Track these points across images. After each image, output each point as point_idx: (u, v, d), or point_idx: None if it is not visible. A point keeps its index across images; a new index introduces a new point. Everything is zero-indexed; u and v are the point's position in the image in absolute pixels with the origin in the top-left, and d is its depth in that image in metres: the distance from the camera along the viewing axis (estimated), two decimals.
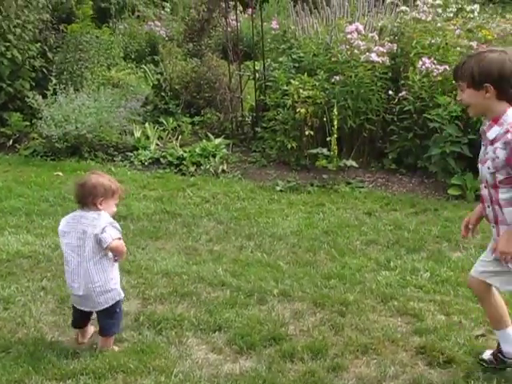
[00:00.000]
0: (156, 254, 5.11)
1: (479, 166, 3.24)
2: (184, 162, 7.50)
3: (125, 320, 4.01)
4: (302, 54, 7.86)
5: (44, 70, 8.88)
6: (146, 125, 8.48)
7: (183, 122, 8.75)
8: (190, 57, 10.57)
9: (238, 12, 9.57)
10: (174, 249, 5.25)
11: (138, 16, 17.41)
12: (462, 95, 3.19)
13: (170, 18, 17.43)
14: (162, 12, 18.50)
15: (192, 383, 3.39)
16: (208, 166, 7.38)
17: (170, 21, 16.86)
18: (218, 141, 7.92)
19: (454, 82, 3.56)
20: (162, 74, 9.71)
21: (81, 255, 3.59)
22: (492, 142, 3.11)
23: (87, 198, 3.61)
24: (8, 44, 8.26)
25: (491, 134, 3.12)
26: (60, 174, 7.27)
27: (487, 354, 3.54)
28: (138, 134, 8.22)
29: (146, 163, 7.68)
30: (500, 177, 3.09)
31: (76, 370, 3.47)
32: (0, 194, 6.50)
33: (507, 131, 3.03)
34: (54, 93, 8.11)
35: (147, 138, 8.23)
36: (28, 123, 8.40)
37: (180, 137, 8.30)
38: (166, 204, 6.33)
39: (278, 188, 6.79)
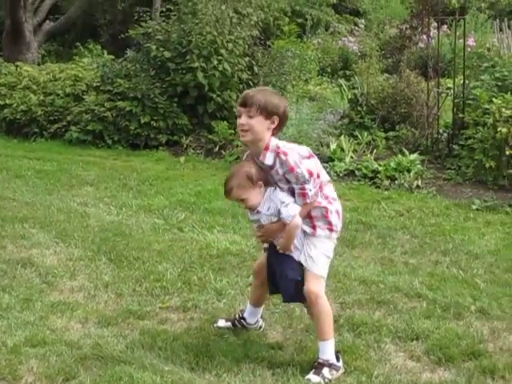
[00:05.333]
0: (353, 262, 5.32)
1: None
2: (379, 176, 7.65)
3: None
4: (506, 73, 7.74)
5: (250, 82, 9.48)
6: (342, 137, 8.76)
7: (378, 136, 8.94)
8: (382, 72, 10.76)
9: (436, 29, 9.58)
10: (370, 258, 5.43)
11: (332, 32, 17.82)
12: (247, 120, 3.55)
13: (363, 34, 17.67)
14: (356, 28, 18.80)
15: None
16: (402, 181, 7.48)
17: (363, 37, 17.10)
18: (413, 156, 7.99)
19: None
20: (356, 88, 9.95)
21: None
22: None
23: None
24: (220, 58, 8.94)
25: (268, 159, 3.59)
26: None
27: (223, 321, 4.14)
28: (333, 145, 8.51)
29: (341, 174, 7.93)
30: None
31: (284, 361, 3.75)
32: (209, 196, 7.09)
33: (278, 153, 3.56)
34: None
35: (342, 150, 8.49)
36: (233, 131, 9.02)
37: (375, 151, 8.49)
38: (362, 215, 6.53)
39: (474, 206, 6.73)
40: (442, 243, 5.73)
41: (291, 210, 3.61)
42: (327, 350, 3.65)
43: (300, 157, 3.59)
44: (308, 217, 3.68)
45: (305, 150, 3.71)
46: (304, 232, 3.71)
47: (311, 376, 3.57)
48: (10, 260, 5.22)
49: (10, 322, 4.15)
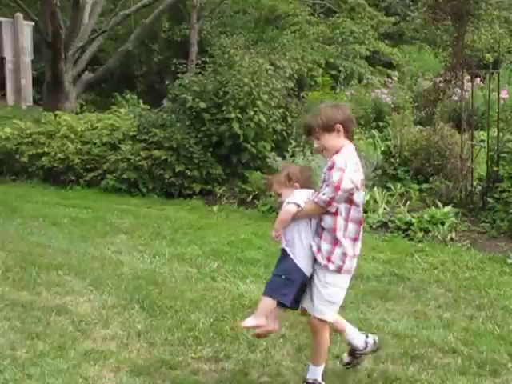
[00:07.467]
0: (386, 315, 5.27)
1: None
2: (412, 228, 7.61)
3: (358, 375, 4.24)
4: None
5: (284, 133, 9.60)
6: (375, 189, 8.75)
7: (411, 188, 8.92)
8: (416, 124, 10.79)
9: (470, 82, 9.61)
10: (404, 311, 5.37)
11: (365, 83, 17.96)
12: (317, 142, 3.91)
13: (396, 86, 17.78)
14: (389, 80, 18.93)
15: None
16: (436, 233, 7.43)
17: (396, 89, 17.19)
18: (446, 209, 7.93)
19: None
20: (389, 140, 9.98)
21: None
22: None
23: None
24: (256, 109, 9.09)
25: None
26: None
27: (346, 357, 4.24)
28: (366, 197, 8.49)
29: (374, 226, 7.91)
30: None
31: None
32: (242, 245, 7.12)
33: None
34: (292, 154, 8.73)
35: (375, 201, 8.48)
36: (266, 181, 9.10)
37: (408, 202, 8.46)
38: (395, 267, 6.48)
39: (510, 261, 6.64)
40: (477, 298, 5.65)
41: (291, 198, 3.90)
42: (316, 372, 3.97)
43: (345, 165, 3.77)
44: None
45: (350, 162, 3.82)
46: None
47: None
48: (45, 307, 5.27)
49: (44, 369, 4.18)
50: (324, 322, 3.91)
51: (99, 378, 4.13)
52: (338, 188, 3.72)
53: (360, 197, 3.90)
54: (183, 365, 4.34)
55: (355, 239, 3.91)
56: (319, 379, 3.97)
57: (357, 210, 3.88)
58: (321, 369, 3.99)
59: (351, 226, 3.86)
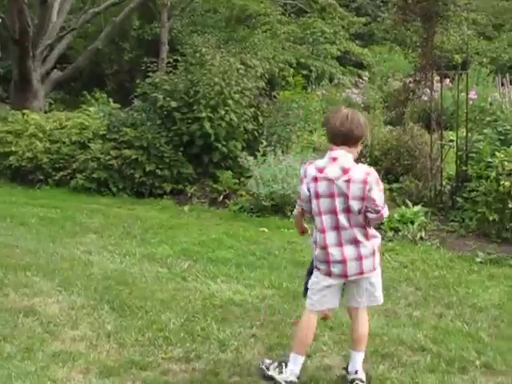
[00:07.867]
0: None
1: None
2: (382, 227, 7.63)
3: (329, 374, 4.25)
4: (508, 127, 7.82)
5: (255, 132, 9.59)
6: None
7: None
8: (386, 124, 10.87)
9: (439, 82, 9.71)
10: (374, 310, 5.36)
11: (336, 83, 18.04)
12: None
13: (367, 86, 17.89)
14: (360, 80, 19.05)
15: None
16: (406, 232, 7.48)
17: (367, 89, 17.30)
18: (416, 208, 8.00)
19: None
20: None
21: None
22: None
23: None
24: (227, 108, 9.08)
25: None
26: (265, 230, 7.77)
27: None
28: None
29: None
30: None
31: None
32: (213, 245, 7.11)
33: None
34: (264, 154, 8.73)
35: None
36: (237, 181, 9.10)
37: None
38: None
39: (478, 259, 6.71)
40: (446, 296, 5.70)
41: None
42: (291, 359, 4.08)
43: (304, 175, 3.96)
44: None
45: (309, 172, 3.94)
46: None
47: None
48: (12, 308, 5.20)
49: (11, 371, 4.12)
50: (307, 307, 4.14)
51: (68, 379, 4.08)
52: (299, 197, 4.05)
53: (319, 205, 3.89)
54: (153, 365, 4.30)
55: (325, 247, 3.95)
56: (286, 373, 4.03)
57: (320, 219, 3.93)
58: (295, 358, 4.06)
59: (316, 235, 4.01)
